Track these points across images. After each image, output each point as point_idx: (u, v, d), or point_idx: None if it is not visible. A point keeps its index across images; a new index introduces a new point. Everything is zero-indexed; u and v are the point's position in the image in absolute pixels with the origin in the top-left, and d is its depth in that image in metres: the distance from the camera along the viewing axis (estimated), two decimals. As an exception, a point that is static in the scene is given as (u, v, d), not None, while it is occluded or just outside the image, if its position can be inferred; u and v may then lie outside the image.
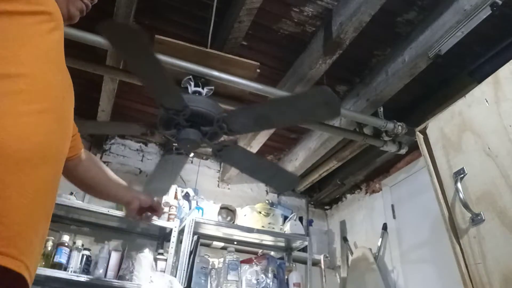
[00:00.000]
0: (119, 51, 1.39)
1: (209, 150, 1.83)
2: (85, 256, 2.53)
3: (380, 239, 2.95)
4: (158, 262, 2.68)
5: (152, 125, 1.72)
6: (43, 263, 2.38)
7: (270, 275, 2.78)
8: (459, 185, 1.37)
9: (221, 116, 1.60)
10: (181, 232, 2.72)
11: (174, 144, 1.75)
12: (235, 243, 3.05)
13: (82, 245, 2.58)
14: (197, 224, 2.71)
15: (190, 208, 2.95)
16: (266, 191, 3.62)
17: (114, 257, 2.58)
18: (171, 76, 1.48)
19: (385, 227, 2.96)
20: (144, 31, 1.23)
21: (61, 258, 2.42)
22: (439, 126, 1.55)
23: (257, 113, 1.57)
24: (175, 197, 2.98)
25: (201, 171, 3.41)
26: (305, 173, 3.30)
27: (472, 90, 1.45)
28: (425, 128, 1.61)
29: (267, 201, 3.31)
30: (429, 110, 2.37)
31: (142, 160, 3.29)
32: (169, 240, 2.74)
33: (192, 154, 1.96)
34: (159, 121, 1.64)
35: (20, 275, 0.60)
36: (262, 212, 3.05)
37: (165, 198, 2.90)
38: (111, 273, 2.52)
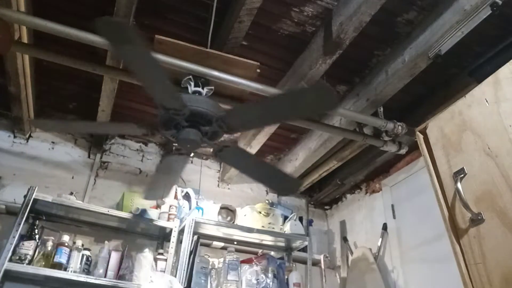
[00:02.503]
0: (116, 49, 1.38)
1: (209, 150, 1.83)
2: (85, 256, 2.53)
3: (380, 239, 2.95)
4: (158, 262, 2.68)
5: (152, 125, 1.72)
6: (43, 263, 2.38)
7: (270, 275, 2.78)
8: (459, 185, 1.37)
9: (220, 115, 1.60)
10: (181, 232, 2.73)
11: (174, 144, 1.75)
12: (235, 243, 3.05)
13: (82, 245, 2.58)
14: (197, 224, 2.71)
15: (190, 208, 2.95)
16: (266, 191, 3.62)
17: (114, 257, 2.58)
18: (170, 75, 1.48)
19: (385, 227, 2.96)
20: (140, 30, 1.23)
21: (61, 258, 2.42)
22: (439, 126, 1.55)
23: (255, 110, 1.57)
24: (175, 197, 2.99)
25: (201, 171, 3.41)
26: (305, 173, 3.30)
27: (472, 90, 1.45)
28: (425, 128, 1.61)
29: (267, 201, 3.31)
30: (429, 110, 2.38)
31: (142, 160, 3.29)
32: (169, 240, 2.75)
33: (192, 154, 1.95)
34: (159, 121, 1.64)
35: None
36: (262, 212, 3.05)
37: (166, 199, 2.91)
38: (111, 273, 2.52)
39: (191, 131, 1.61)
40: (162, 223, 2.76)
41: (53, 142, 3.08)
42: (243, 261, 2.88)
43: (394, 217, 2.95)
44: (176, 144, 1.72)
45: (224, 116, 1.60)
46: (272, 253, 3.15)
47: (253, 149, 2.92)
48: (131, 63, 1.39)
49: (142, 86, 2.00)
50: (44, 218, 2.62)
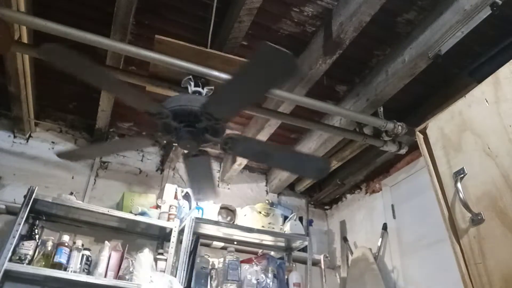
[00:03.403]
0: (69, 71, 1.40)
1: (212, 150, 1.82)
2: (85, 256, 2.53)
3: (380, 239, 2.95)
4: (158, 262, 2.68)
5: (156, 133, 1.71)
6: (43, 263, 2.38)
7: (270, 275, 2.78)
8: (459, 185, 1.37)
9: (201, 108, 1.55)
10: (181, 232, 2.72)
11: (174, 144, 1.75)
12: (235, 243, 3.05)
13: (82, 245, 2.58)
14: (197, 224, 2.71)
15: (190, 208, 2.95)
16: (266, 191, 3.62)
17: (114, 257, 2.58)
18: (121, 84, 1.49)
19: (385, 227, 2.96)
20: (74, 51, 1.24)
21: (61, 258, 2.42)
22: (439, 126, 1.55)
23: (227, 91, 1.50)
24: (175, 197, 2.99)
25: (201, 171, 3.41)
26: (305, 173, 3.30)
27: (472, 90, 1.45)
28: (425, 128, 1.61)
29: (267, 201, 3.31)
30: (429, 110, 2.38)
31: (142, 160, 3.29)
32: (169, 240, 2.74)
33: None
34: (159, 127, 1.64)
35: None
36: (262, 212, 3.05)
37: (165, 199, 2.91)
38: (111, 273, 2.52)
39: (185, 131, 1.60)
40: (162, 223, 2.76)
41: (53, 142, 3.08)
42: (243, 261, 2.88)
43: (394, 217, 2.95)
44: (175, 144, 1.71)
45: (206, 106, 1.54)
46: (272, 253, 3.15)
47: (253, 149, 2.91)
48: (93, 81, 1.41)
49: (142, 86, 2.01)
50: (44, 218, 2.62)
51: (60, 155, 1.91)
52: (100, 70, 1.34)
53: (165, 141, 1.75)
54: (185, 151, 1.80)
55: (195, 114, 1.57)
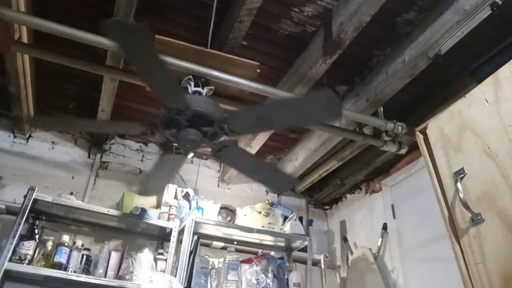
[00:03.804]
0: (123, 50, 1.39)
1: (209, 150, 1.83)
2: (85, 256, 2.53)
3: (380, 239, 2.95)
4: (158, 262, 2.68)
5: (152, 124, 1.72)
6: (43, 263, 2.38)
7: (270, 275, 2.77)
8: (459, 185, 1.37)
9: (222, 117, 1.60)
10: (181, 232, 2.72)
11: (174, 144, 1.75)
12: (235, 243, 3.05)
13: (82, 245, 2.58)
14: (197, 224, 2.71)
15: (190, 208, 2.95)
16: (266, 191, 3.62)
17: (114, 257, 2.58)
18: (174, 76, 1.48)
19: (385, 227, 2.96)
20: (149, 29, 1.23)
21: (61, 258, 2.42)
22: (439, 126, 1.55)
23: (258, 114, 1.56)
24: (175, 197, 2.99)
25: (201, 171, 3.41)
26: (305, 173, 3.30)
27: (472, 90, 1.44)
28: (425, 128, 1.61)
29: (267, 201, 3.31)
30: (429, 110, 2.37)
31: (142, 160, 3.29)
32: (169, 240, 2.74)
33: (191, 154, 1.96)
34: (160, 120, 1.64)
35: None
36: (262, 212, 3.05)
37: (165, 198, 2.91)
38: (111, 273, 2.52)
39: (191, 131, 1.61)
40: (162, 223, 2.76)
41: (53, 142, 3.08)
42: (243, 261, 2.88)
43: (394, 217, 2.95)
44: (176, 144, 1.72)
45: (226, 118, 1.60)
46: (272, 253, 3.15)
47: (253, 149, 2.92)
48: (138, 63, 1.40)
49: (142, 86, 2.01)
50: (44, 218, 2.62)
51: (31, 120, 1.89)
52: (155, 57, 1.32)
53: (155, 133, 1.75)
54: (173, 148, 1.81)
55: (212, 120, 1.59)
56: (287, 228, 3.06)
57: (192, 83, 1.84)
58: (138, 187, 3.09)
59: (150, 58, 1.33)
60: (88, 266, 2.53)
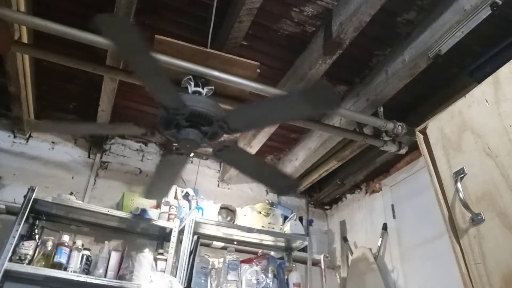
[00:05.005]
0: (116, 46, 1.38)
1: (209, 150, 1.83)
2: (85, 256, 2.53)
3: (380, 239, 2.95)
4: (158, 262, 2.68)
5: (152, 125, 1.72)
6: (43, 263, 2.38)
7: (270, 275, 2.78)
8: (459, 185, 1.37)
9: (221, 116, 1.60)
10: (181, 232, 2.72)
11: (174, 144, 1.75)
12: (235, 243, 3.05)
13: (82, 245, 2.58)
14: (197, 224, 2.71)
15: (190, 208, 2.95)
16: (266, 191, 3.62)
17: (114, 257, 2.58)
18: (170, 75, 1.48)
19: (385, 227, 2.96)
20: (139, 30, 1.23)
21: (61, 258, 2.42)
22: (439, 126, 1.55)
23: (257, 111, 1.57)
24: (175, 197, 2.99)
25: (201, 171, 3.41)
26: (305, 173, 3.30)
27: (472, 90, 1.44)
28: (425, 128, 1.61)
29: (267, 201, 3.31)
30: (429, 110, 2.37)
31: (142, 160, 3.29)
32: (169, 240, 2.74)
33: (192, 154, 1.95)
34: (159, 121, 1.64)
35: None
36: (262, 212, 3.05)
37: (165, 198, 2.90)
38: (111, 273, 2.52)
39: (191, 131, 1.61)
40: (162, 223, 2.76)
41: (53, 142, 3.08)
42: (243, 261, 2.88)
43: (394, 217, 2.95)
44: (176, 144, 1.72)
45: (225, 116, 1.59)
46: (272, 253, 3.15)
47: (253, 149, 2.92)
48: (131, 61, 1.40)
49: (142, 86, 2.01)
50: (44, 218, 2.62)
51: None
52: (149, 56, 1.32)
53: (155, 134, 1.75)
54: (173, 148, 1.81)
55: (211, 119, 1.59)
56: (287, 228, 3.06)
57: (192, 83, 1.84)
58: (138, 187, 3.09)
59: (144, 56, 1.32)
60: (88, 266, 2.53)
